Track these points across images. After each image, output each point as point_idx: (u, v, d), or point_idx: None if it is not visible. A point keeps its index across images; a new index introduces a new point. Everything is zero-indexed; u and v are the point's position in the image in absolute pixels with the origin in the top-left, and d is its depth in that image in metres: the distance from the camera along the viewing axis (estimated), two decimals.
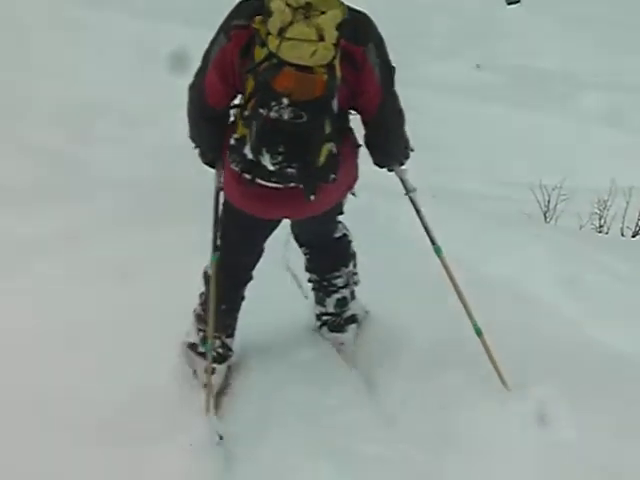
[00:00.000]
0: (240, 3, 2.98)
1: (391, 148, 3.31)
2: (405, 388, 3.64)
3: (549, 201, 8.23)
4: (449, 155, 16.12)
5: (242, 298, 3.64)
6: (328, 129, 2.88)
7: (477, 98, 19.64)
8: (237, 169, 3.03)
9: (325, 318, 3.96)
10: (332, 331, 3.96)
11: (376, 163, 3.34)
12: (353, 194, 3.41)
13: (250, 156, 2.93)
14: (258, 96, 2.79)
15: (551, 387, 3.43)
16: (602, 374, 3.74)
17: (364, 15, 2.99)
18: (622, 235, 7.67)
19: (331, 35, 2.72)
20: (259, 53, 2.80)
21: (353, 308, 3.95)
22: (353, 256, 3.84)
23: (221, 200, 3.38)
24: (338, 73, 2.82)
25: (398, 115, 3.20)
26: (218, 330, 3.54)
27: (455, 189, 10.89)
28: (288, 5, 2.72)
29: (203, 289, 3.61)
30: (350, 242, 3.81)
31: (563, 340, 4.03)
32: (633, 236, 7.68)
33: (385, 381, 3.74)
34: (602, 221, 7.89)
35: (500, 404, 3.41)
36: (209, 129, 3.18)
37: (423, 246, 3.54)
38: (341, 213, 3.61)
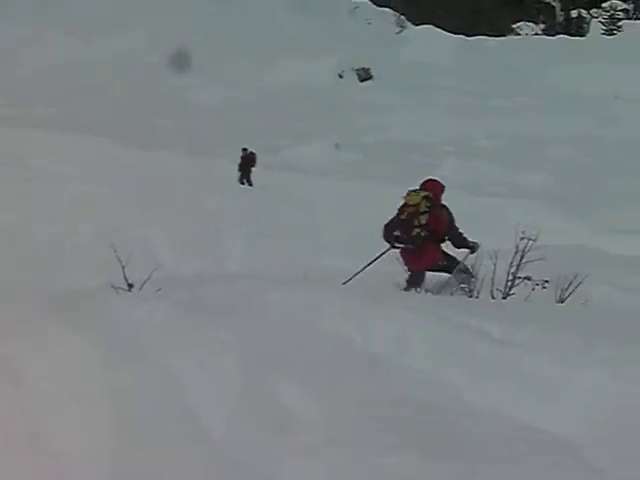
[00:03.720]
0: None
1: (459, 245, 9.75)
2: None
3: None
4: (315, 235, 16.33)
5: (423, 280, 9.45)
6: (417, 222, 9.34)
7: (337, 177, 20.06)
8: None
9: None
10: None
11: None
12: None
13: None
14: (399, 214, 9.74)
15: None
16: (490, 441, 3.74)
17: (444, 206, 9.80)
18: (492, 298, 7.81)
19: (420, 196, 9.54)
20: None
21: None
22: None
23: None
24: (421, 209, 9.43)
25: (458, 235, 9.66)
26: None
27: (326, 266, 11.00)
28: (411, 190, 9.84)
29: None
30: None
31: (446, 409, 4.03)
32: (504, 298, 7.82)
33: None
34: (472, 286, 8.03)
35: None
36: None
37: None
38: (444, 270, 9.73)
